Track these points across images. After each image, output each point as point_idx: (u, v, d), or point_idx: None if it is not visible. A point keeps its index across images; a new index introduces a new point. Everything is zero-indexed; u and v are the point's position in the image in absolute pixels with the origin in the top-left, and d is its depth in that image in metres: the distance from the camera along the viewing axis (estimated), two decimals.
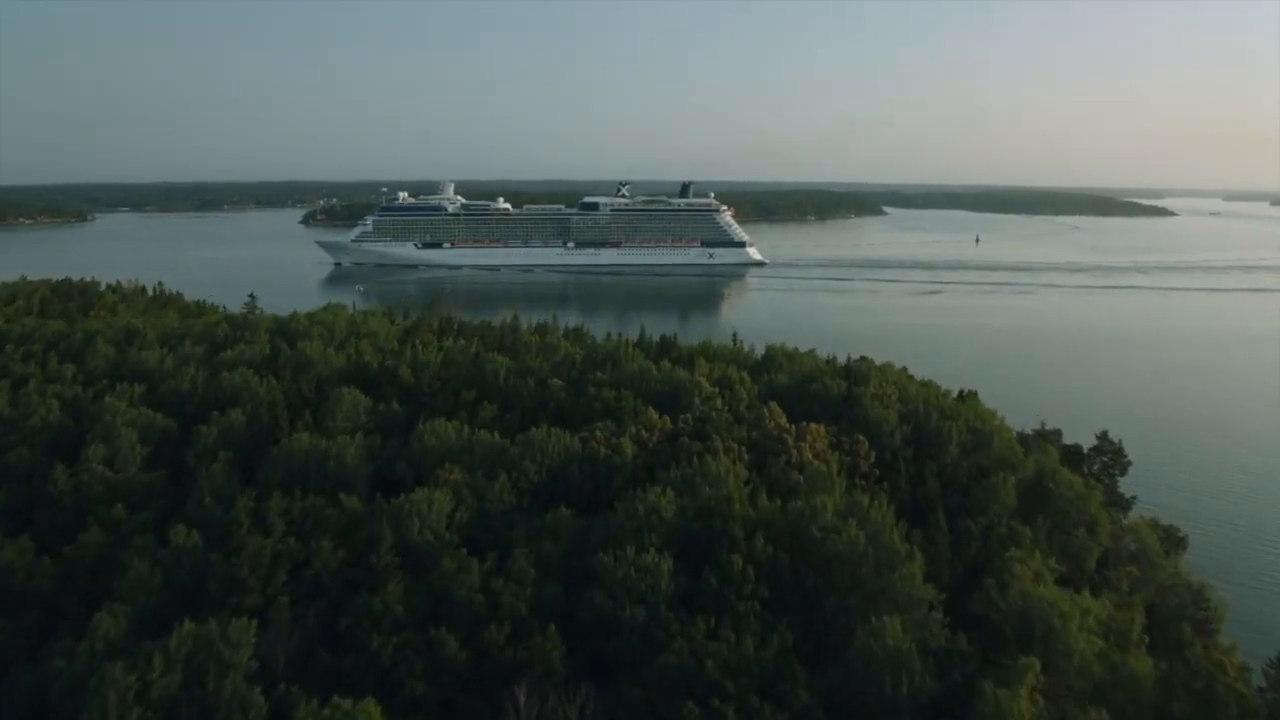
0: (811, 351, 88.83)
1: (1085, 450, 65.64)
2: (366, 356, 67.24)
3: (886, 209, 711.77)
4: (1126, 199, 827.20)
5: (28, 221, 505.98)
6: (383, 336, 75.34)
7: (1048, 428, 74.39)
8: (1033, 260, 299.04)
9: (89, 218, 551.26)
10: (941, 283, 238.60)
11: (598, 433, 49.70)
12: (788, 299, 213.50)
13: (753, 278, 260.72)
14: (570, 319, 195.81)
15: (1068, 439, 74.38)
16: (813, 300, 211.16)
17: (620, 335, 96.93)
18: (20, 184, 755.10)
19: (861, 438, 52.58)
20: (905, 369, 77.17)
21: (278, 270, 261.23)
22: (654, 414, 51.77)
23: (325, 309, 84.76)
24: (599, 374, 60.88)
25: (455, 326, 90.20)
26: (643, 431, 50.63)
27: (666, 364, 62.91)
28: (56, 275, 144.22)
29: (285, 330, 73.53)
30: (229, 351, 66.62)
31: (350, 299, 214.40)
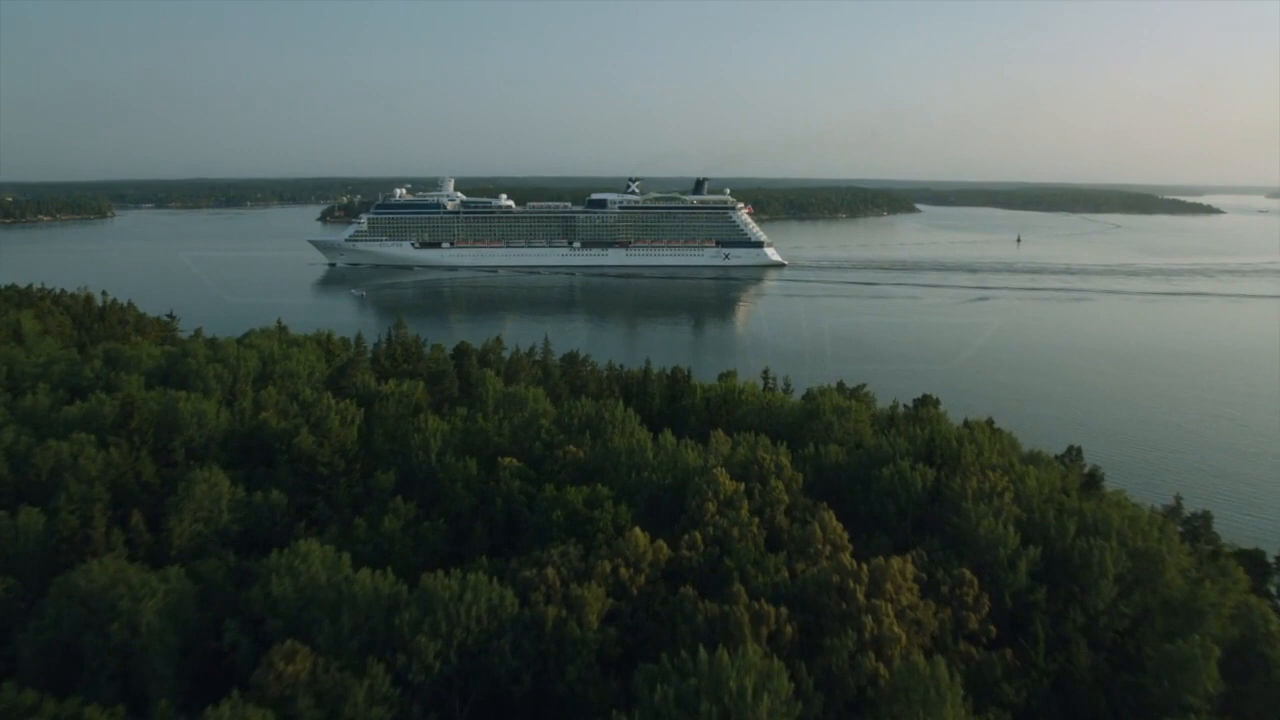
0: (863, 393, 69.74)
1: (1270, 559, 45.58)
2: (265, 413, 48.95)
3: (920, 206, 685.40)
4: (1168, 196, 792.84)
5: (47, 218, 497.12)
6: (303, 377, 57.06)
7: (1185, 508, 54.74)
8: (1084, 262, 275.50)
9: (109, 214, 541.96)
10: (987, 288, 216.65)
11: (550, 573, 30.84)
12: (813, 307, 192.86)
13: (772, 281, 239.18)
14: (576, 327, 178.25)
15: (1189, 506, 55.19)
16: (842, 308, 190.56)
17: (623, 368, 78.58)
18: (52, 181, 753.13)
19: (967, 573, 33.22)
20: (991, 422, 57.85)
21: (276, 270, 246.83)
22: (641, 537, 32.71)
23: (246, 337, 66.62)
24: (572, 449, 42.03)
25: (415, 356, 71.98)
26: (623, 568, 31.69)
27: (669, 438, 43.64)
28: (42, 277, 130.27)
29: (174, 369, 55.42)
30: (77, 405, 48.57)
31: (347, 304, 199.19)
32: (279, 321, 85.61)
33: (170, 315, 79.42)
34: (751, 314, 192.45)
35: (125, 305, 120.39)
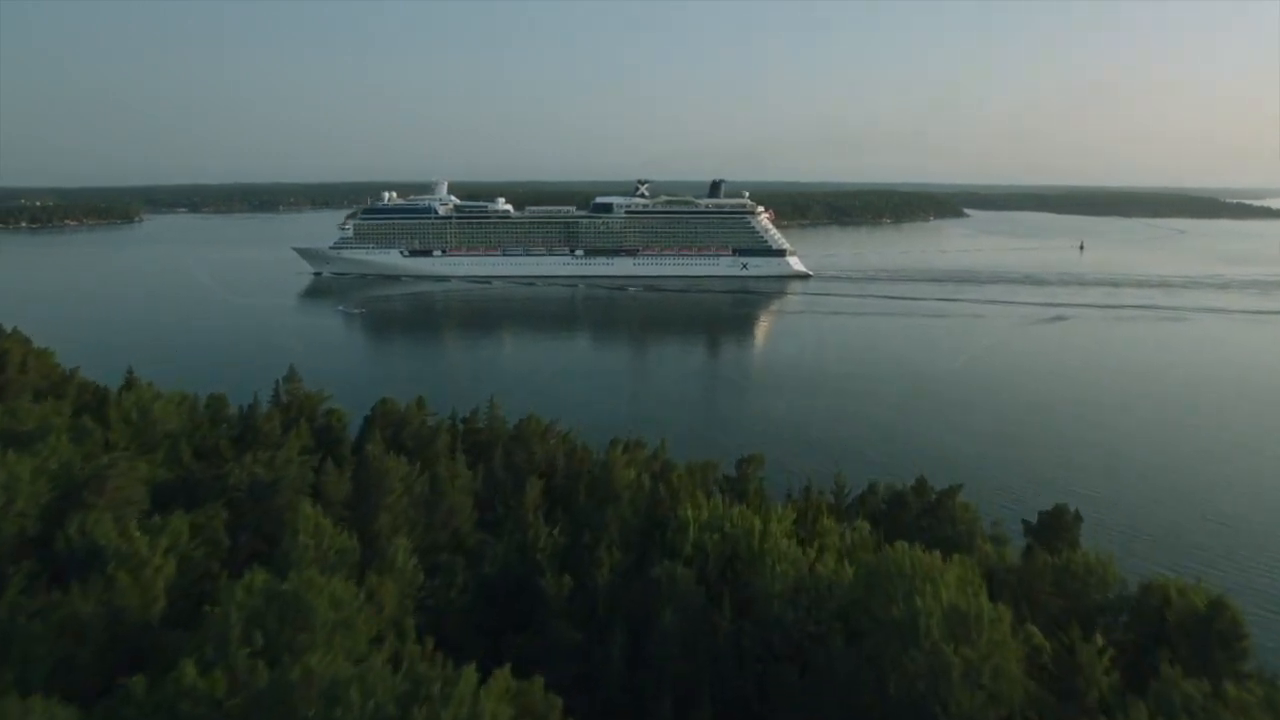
0: (966, 514, 42.97)
1: None
2: None
3: (968, 211, 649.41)
4: (1232, 199, 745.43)
5: (74, 222, 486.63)
6: None
7: None
8: (1164, 273, 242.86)
9: (137, 219, 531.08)
10: (1059, 304, 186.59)
11: None
12: (850, 327, 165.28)
13: (795, 295, 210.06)
14: (571, 348, 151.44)
15: None
16: (891, 329, 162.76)
17: (590, 454, 52.66)
18: (91, 186, 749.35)
19: None
20: (1224, 606, 31.18)
21: (284, 271, 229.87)
22: None
23: None
24: None
25: (269, 441, 46.64)
26: None
27: None
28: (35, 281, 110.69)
29: None
30: None
31: (331, 320, 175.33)
32: (130, 371, 61.38)
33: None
34: (774, 337, 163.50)
35: (9, 333, 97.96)
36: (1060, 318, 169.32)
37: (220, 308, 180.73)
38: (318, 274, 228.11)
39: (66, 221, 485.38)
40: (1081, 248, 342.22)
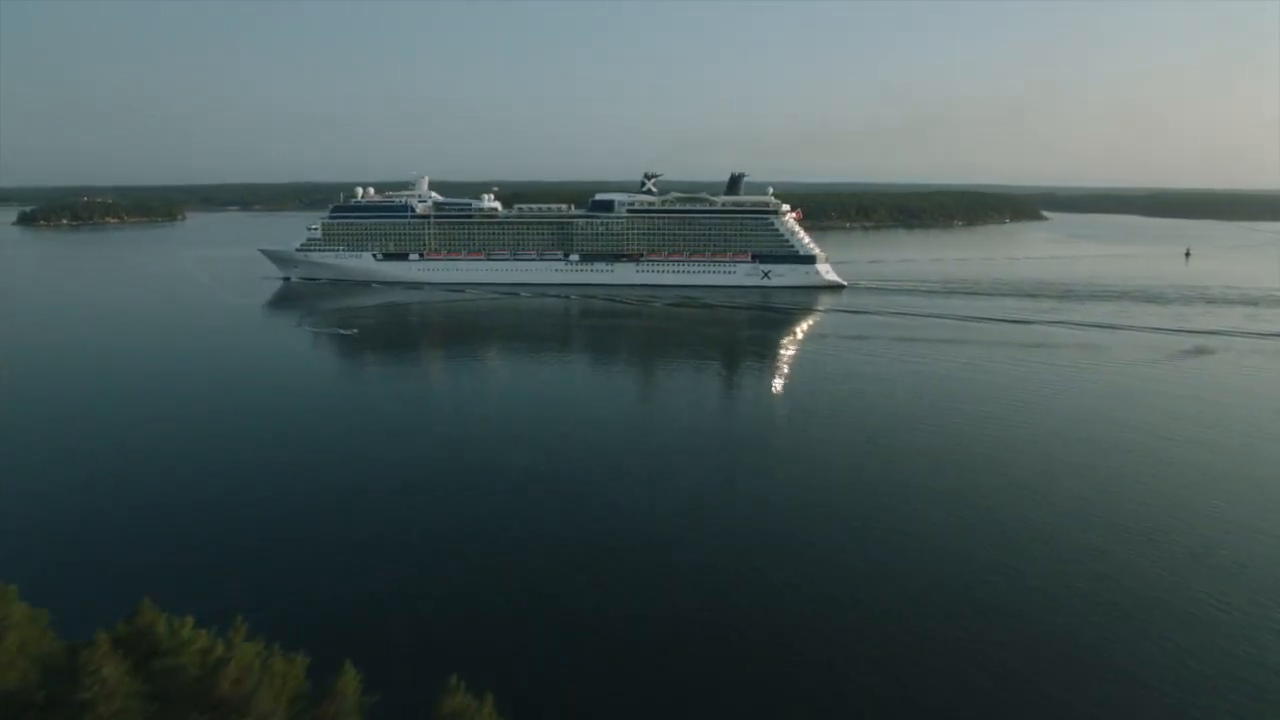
0: None
1: None
2: None
3: (1046, 213, 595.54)
4: None
5: (115, 220, 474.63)
6: None
7: None
8: None
9: (180, 217, 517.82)
10: (1192, 330, 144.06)
11: None
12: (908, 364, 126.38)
13: (823, 310, 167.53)
14: (576, 373, 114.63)
15: None
16: (973, 369, 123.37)
17: None
18: (150, 185, 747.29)
19: None
20: None
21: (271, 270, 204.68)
22: None
23: None
24: None
25: None
26: None
27: None
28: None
29: None
30: None
31: (302, 341, 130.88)
32: None
33: None
34: (805, 370, 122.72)
35: None
36: (1203, 349, 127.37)
37: (218, 308, 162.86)
38: (286, 279, 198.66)
39: (107, 220, 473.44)
40: (1187, 255, 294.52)
